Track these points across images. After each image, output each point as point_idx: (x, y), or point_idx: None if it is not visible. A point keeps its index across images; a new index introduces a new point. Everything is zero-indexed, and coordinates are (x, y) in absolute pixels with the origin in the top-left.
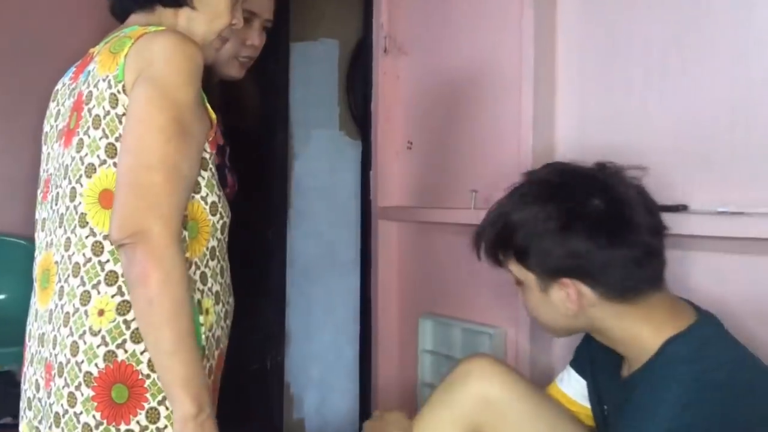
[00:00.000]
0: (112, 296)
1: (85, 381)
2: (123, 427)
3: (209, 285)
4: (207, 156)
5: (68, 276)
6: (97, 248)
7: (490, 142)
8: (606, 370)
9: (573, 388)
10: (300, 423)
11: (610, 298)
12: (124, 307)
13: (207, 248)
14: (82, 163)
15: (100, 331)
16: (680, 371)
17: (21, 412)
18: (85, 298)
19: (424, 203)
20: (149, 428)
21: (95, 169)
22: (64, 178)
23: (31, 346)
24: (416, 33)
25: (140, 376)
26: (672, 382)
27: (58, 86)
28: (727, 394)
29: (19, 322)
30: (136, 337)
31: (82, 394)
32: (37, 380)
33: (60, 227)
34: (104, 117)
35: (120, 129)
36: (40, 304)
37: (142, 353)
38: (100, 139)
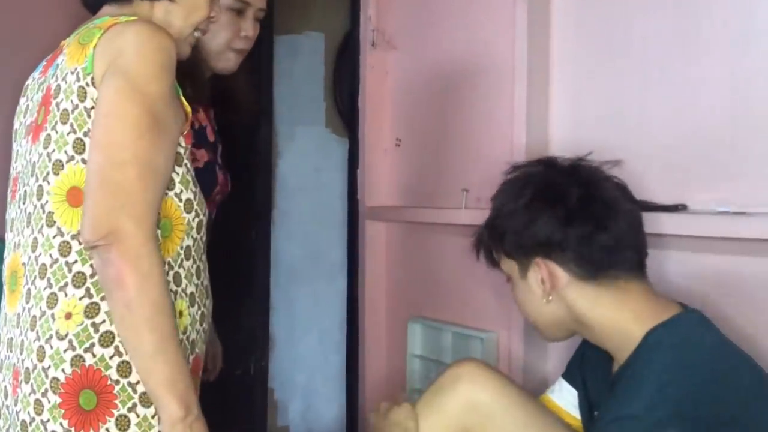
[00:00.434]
0: (80, 299)
1: (51, 387)
2: None
3: (183, 286)
4: (182, 151)
5: (35, 278)
6: (65, 248)
7: (482, 140)
8: (597, 377)
9: (564, 398)
10: (284, 430)
11: (582, 278)
12: (92, 310)
13: (181, 248)
14: (50, 160)
15: (67, 335)
16: (662, 355)
17: None
18: (52, 301)
19: (414, 203)
20: None
21: (63, 165)
22: (32, 176)
23: (0, 352)
24: (406, 26)
25: (109, 382)
26: (653, 364)
27: (29, 81)
28: (709, 375)
29: None
30: (105, 341)
31: (49, 401)
32: (5, 387)
33: (28, 227)
34: (72, 111)
35: (89, 123)
36: (8, 307)
37: (111, 358)
38: (68, 134)
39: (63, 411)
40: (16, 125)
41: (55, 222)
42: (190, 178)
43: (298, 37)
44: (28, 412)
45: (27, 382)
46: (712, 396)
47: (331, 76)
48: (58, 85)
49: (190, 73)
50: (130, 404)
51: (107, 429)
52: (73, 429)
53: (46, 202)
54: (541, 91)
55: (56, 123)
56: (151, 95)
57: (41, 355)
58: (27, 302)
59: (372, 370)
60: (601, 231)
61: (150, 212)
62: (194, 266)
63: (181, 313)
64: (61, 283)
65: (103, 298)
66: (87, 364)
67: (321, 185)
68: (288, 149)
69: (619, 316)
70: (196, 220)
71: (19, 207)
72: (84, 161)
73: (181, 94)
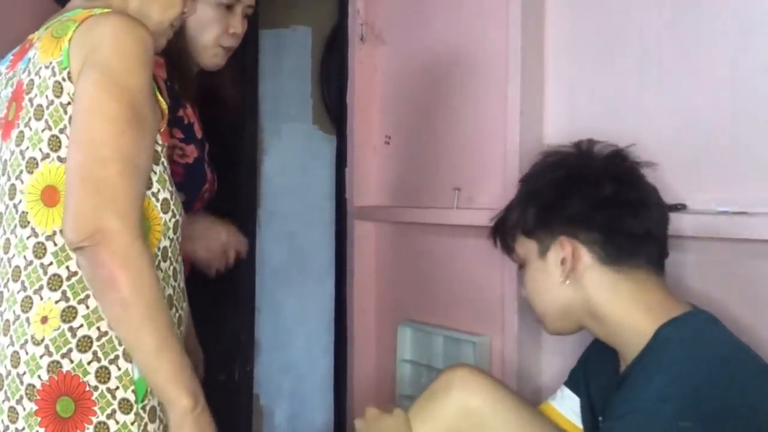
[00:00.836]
0: (56, 302)
1: (27, 394)
2: None
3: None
4: (159, 149)
5: (8, 280)
6: (40, 250)
7: (474, 138)
8: (602, 383)
9: (566, 405)
10: None
11: (605, 262)
12: (69, 314)
13: (158, 249)
14: (23, 158)
15: (43, 340)
16: (672, 349)
17: None
18: (27, 305)
19: (404, 202)
20: None
21: (37, 163)
22: (3, 175)
23: None
24: (395, 20)
25: (87, 388)
26: (664, 357)
27: None
28: (719, 369)
29: None
30: (83, 346)
31: (24, 409)
32: None
33: None
34: (47, 107)
35: (65, 120)
36: None
37: (89, 363)
38: (43, 131)
39: (39, 419)
40: None
41: (29, 222)
42: (167, 177)
43: (285, 32)
44: (2, 420)
45: (0, 389)
46: (722, 389)
47: (318, 71)
48: (31, 80)
49: (179, 68)
50: (109, 411)
51: None
52: None
53: (20, 201)
54: (535, 87)
55: (30, 119)
56: (130, 89)
57: (15, 360)
58: (0, 306)
59: (360, 376)
60: (631, 216)
61: (134, 209)
62: (171, 268)
63: None
64: (36, 286)
65: (80, 302)
66: (64, 370)
67: (308, 184)
68: (274, 147)
69: (632, 308)
70: (173, 220)
71: None
72: (60, 159)
73: (157, 90)
